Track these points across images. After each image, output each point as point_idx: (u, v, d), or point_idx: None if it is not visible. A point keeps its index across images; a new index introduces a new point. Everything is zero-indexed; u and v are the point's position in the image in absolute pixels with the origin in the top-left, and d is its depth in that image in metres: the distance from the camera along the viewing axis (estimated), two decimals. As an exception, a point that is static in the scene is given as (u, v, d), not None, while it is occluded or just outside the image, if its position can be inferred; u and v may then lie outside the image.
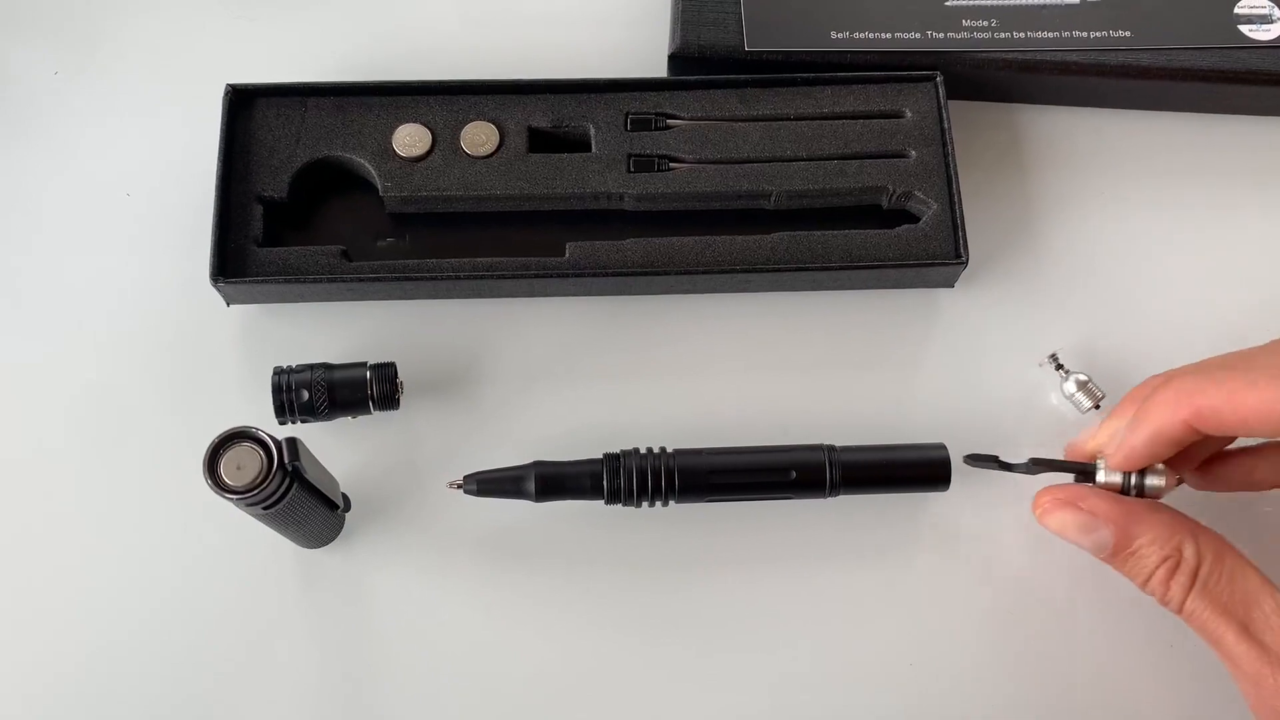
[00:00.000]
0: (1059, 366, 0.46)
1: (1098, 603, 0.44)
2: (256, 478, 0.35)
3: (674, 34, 0.50)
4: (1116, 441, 0.40)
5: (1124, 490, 0.41)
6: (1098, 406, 0.45)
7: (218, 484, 0.35)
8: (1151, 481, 0.41)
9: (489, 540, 0.44)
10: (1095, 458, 0.41)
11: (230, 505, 0.37)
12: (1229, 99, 0.51)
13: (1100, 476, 0.41)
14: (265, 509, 0.36)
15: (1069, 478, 0.42)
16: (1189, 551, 0.38)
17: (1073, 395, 0.45)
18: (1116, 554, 0.39)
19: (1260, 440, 0.42)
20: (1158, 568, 0.38)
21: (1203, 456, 0.42)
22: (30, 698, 0.42)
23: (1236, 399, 0.36)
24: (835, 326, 0.48)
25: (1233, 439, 0.42)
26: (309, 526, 0.41)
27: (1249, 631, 0.37)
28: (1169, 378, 0.39)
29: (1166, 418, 0.38)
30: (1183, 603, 0.38)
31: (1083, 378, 0.45)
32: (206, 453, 0.36)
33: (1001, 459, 0.42)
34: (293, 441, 0.36)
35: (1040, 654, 0.43)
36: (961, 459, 0.43)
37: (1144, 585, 0.39)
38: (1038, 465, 0.42)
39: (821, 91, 0.49)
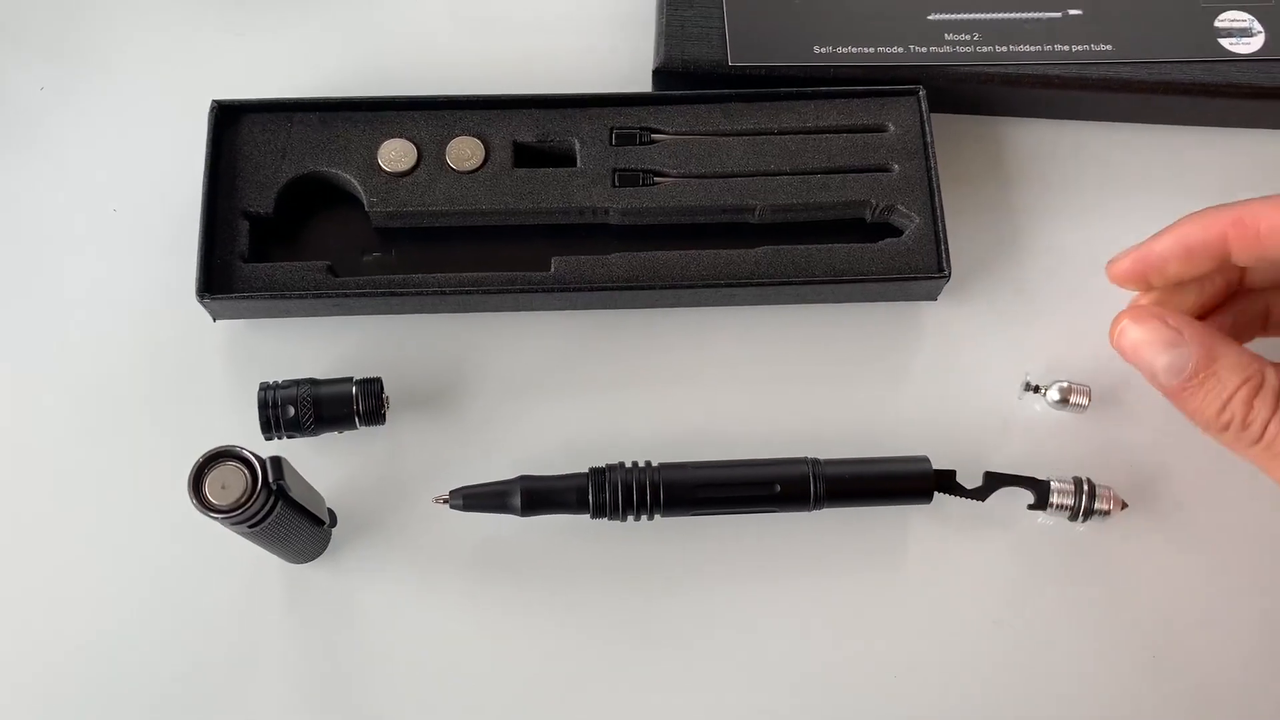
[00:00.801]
0: (1035, 389, 0.46)
1: (1081, 615, 0.44)
2: (241, 497, 0.35)
3: (658, 49, 0.50)
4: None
5: (1073, 515, 0.44)
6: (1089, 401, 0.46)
7: (203, 503, 0.35)
8: (1100, 505, 0.43)
9: (475, 555, 0.45)
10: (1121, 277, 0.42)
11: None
12: (1210, 112, 0.51)
13: (1053, 499, 0.44)
14: (251, 527, 0.36)
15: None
16: (1271, 376, 0.37)
17: (1062, 402, 0.46)
18: (1197, 374, 0.38)
19: None
20: (1239, 388, 0.37)
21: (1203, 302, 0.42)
22: (14, 716, 0.42)
23: None
24: (819, 340, 0.48)
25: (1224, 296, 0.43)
26: (295, 543, 0.41)
27: None
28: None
29: (1201, 228, 0.38)
30: (1266, 424, 0.37)
31: (1063, 384, 0.46)
32: (191, 472, 0.36)
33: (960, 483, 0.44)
34: (277, 460, 0.36)
35: (1024, 666, 0.44)
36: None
37: (1220, 411, 0.38)
38: (990, 483, 0.44)
39: (805, 106, 0.50)
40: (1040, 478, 0.44)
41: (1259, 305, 0.44)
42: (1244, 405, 0.37)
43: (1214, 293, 0.43)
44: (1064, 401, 0.46)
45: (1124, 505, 0.44)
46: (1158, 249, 0.40)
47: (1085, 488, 0.44)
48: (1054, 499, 0.44)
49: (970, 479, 0.44)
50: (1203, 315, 0.43)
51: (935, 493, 0.44)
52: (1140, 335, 0.39)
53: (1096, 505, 0.44)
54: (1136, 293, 0.43)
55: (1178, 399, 0.39)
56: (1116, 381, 0.47)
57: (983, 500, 0.44)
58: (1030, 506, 0.44)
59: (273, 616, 0.44)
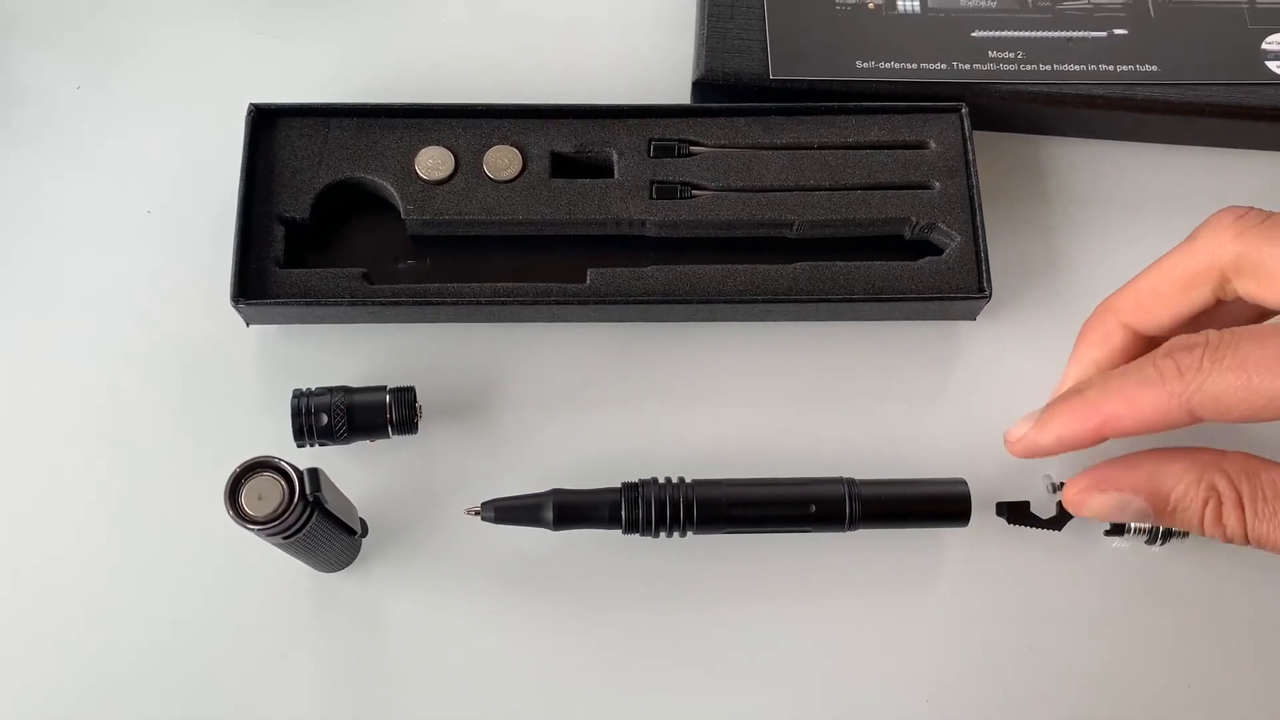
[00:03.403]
0: (1059, 487, 0.44)
1: (1119, 640, 0.44)
2: (278, 508, 0.35)
3: (699, 61, 0.50)
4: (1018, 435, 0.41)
5: (1151, 539, 0.42)
6: None
7: (239, 514, 0.35)
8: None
9: (505, 567, 0.44)
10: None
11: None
12: (1255, 135, 0.51)
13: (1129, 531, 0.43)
14: (286, 539, 0.36)
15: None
16: (1223, 484, 0.37)
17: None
18: (1160, 516, 0.39)
19: None
20: (1203, 513, 0.38)
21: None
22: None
23: (1134, 401, 0.37)
24: (856, 358, 0.48)
25: None
26: (327, 553, 0.41)
27: None
28: (1079, 386, 0.40)
29: (1074, 426, 0.39)
30: (1244, 534, 0.37)
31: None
32: (228, 482, 0.35)
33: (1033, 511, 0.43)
34: (315, 472, 0.36)
35: (1060, 691, 0.43)
36: (996, 510, 0.44)
37: (1202, 533, 0.38)
38: (1065, 512, 0.43)
39: (846, 121, 0.49)
40: None
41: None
42: (1216, 527, 0.37)
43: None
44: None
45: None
46: (1045, 444, 0.40)
47: None
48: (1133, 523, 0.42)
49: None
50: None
51: (1008, 517, 0.43)
52: (1093, 509, 0.40)
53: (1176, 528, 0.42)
54: None
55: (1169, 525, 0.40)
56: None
57: (1058, 530, 0.43)
58: (1106, 533, 0.43)
59: (302, 625, 0.43)
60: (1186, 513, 0.38)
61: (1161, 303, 0.40)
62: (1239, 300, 0.39)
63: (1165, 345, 0.37)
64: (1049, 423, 0.40)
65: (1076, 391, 0.39)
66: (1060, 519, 0.43)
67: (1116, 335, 0.41)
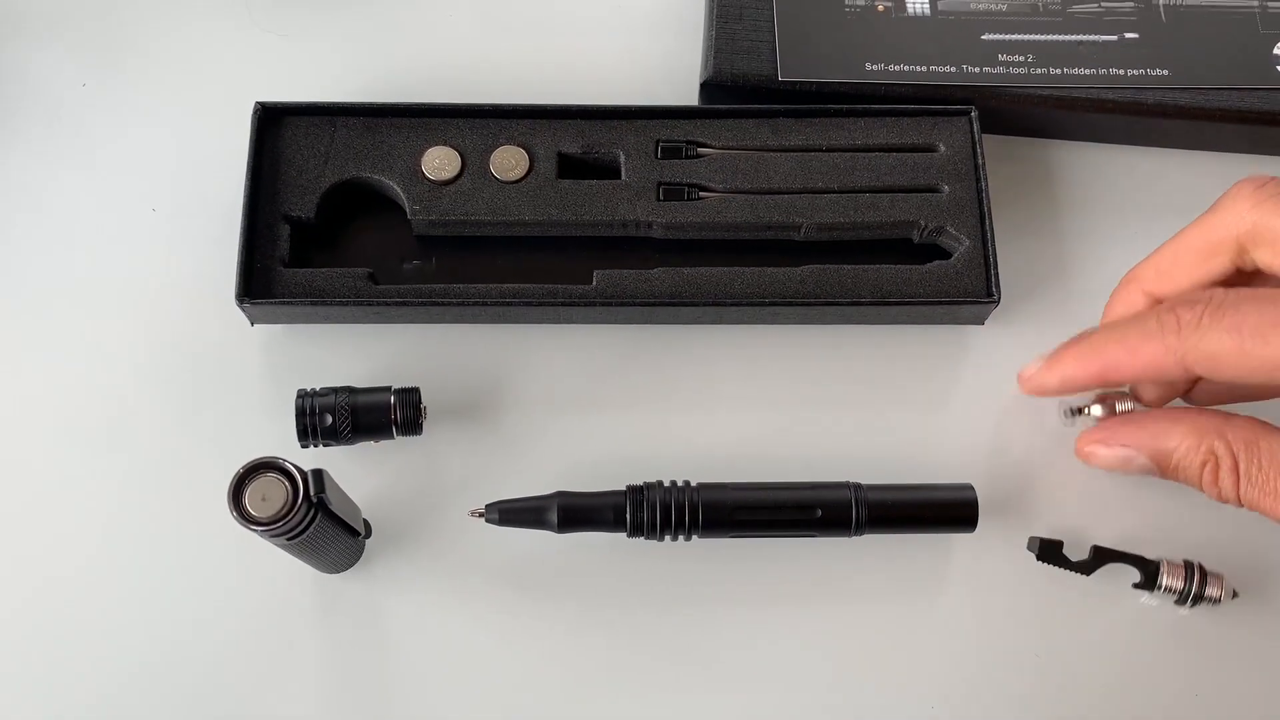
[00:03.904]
0: (1077, 411, 0.45)
1: (1127, 647, 0.43)
2: (282, 509, 0.35)
3: (707, 62, 0.50)
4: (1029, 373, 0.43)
5: (1181, 599, 0.43)
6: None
7: (243, 515, 0.35)
8: (1210, 592, 0.43)
9: (509, 569, 0.44)
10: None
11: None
12: (1266, 140, 0.50)
13: (1162, 580, 0.43)
14: (289, 539, 0.36)
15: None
16: (1221, 449, 0.38)
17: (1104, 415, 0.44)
18: (1164, 473, 0.40)
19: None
20: (1201, 474, 0.39)
21: None
22: None
23: (1135, 349, 0.38)
24: (863, 361, 0.48)
25: None
26: (330, 554, 0.41)
27: None
28: (1085, 333, 0.41)
29: (1078, 369, 0.40)
30: (1237, 496, 0.38)
31: (1097, 410, 0.44)
32: (232, 483, 0.35)
33: (1066, 554, 0.43)
34: (319, 473, 0.36)
35: (1066, 699, 0.43)
36: (1028, 544, 0.44)
37: (1201, 490, 0.40)
38: (1098, 557, 0.43)
39: (854, 123, 0.49)
40: (1149, 557, 0.43)
41: None
42: (1212, 488, 0.39)
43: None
44: (1121, 406, 0.44)
45: (1235, 594, 0.43)
46: (1051, 385, 0.41)
47: (1196, 573, 0.43)
48: (1163, 580, 0.43)
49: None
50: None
51: (1039, 553, 0.44)
52: (1104, 463, 0.42)
53: (1208, 591, 0.42)
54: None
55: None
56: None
57: (1088, 575, 0.43)
58: (1135, 585, 0.43)
59: (305, 626, 0.43)
60: (1187, 471, 0.40)
61: (1182, 271, 0.40)
62: (1259, 273, 0.39)
63: (1170, 300, 0.38)
64: (1055, 365, 0.41)
65: (1085, 337, 0.41)
66: (1092, 564, 0.43)
67: (1139, 304, 0.42)
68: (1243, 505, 0.38)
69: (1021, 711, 0.43)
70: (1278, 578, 0.44)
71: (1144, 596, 0.44)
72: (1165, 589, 0.43)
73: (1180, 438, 0.39)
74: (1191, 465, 0.39)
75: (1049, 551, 0.43)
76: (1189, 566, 0.43)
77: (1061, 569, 0.43)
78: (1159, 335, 0.37)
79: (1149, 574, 0.43)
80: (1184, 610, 0.43)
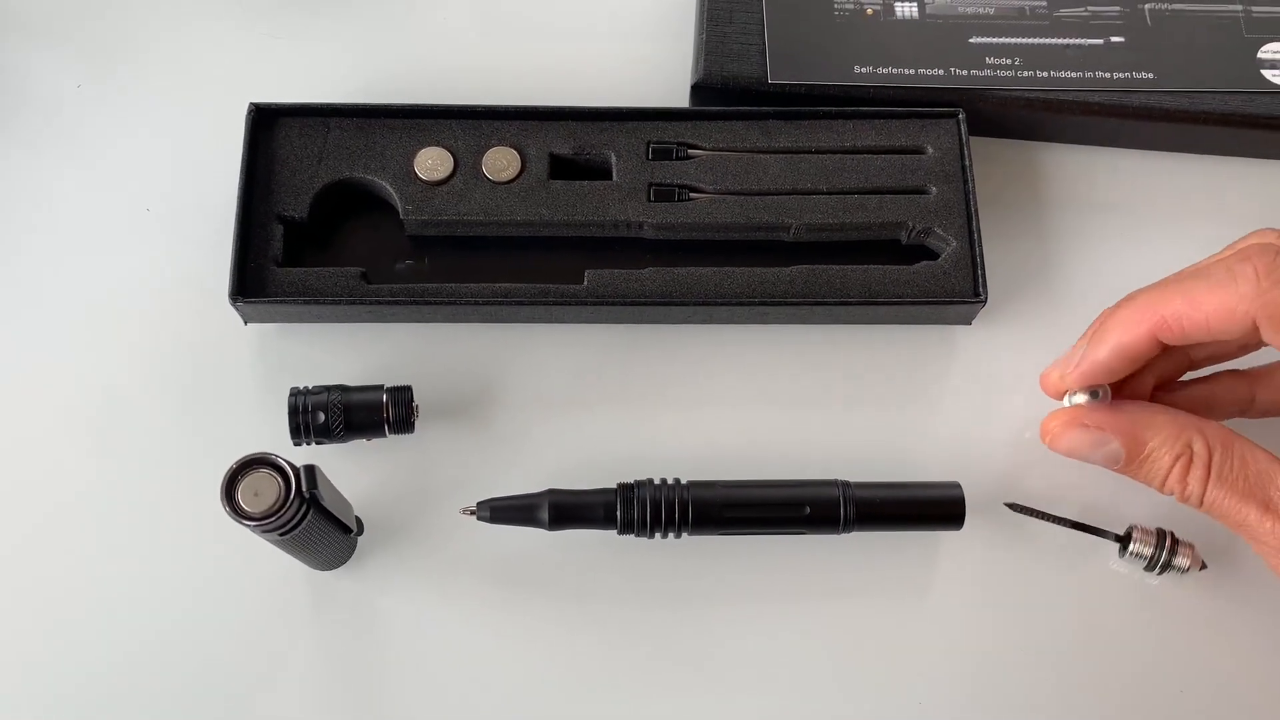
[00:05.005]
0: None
1: (1112, 643, 0.44)
2: (274, 504, 0.35)
3: (697, 64, 0.50)
4: (1076, 360, 0.41)
5: (1150, 565, 0.43)
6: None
7: (235, 510, 0.35)
8: (1179, 561, 0.43)
9: (501, 567, 0.44)
10: (1063, 392, 0.42)
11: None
12: (1250, 143, 0.51)
13: (1132, 546, 0.43)
14: (281, 535, 0.36)
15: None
16: (1199, 446, 0.39)
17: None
18: (1130, 462, 0.40)
19: (1213, 369, 0.44)
20: (1172, 467, 0.39)
21: (1155, 381, 0.43)
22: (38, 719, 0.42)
23: (1197, 300, 0.37)
24: (851, 361, 0.48)
25: (1186, 368, 0.44)
26: (322, 551, 0.41)
27: (1270, 508, 0.38)
28: (1129, 296, 0.40)
29: (1130, 330, 0.39)
30: (1202, 495, 0.39)
31: (1080, 398, 0.43)
32: (224, 478, 0.35)
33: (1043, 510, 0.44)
34: (311, 469, 0.36)
35: (1053, 694, 0.43)
36: (1003, 504, 0.44)
37: (1161, 486, 0.40)
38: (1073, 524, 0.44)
39: (844, 125, 0.49)
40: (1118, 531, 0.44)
41: (1243, 390, 0.44)
42: (1179, 483, 0.39)
43: (1168, 371, 0.43)
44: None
45: (1203, 566, 0.44)
46: (1101, 358, 0.40)
47: (1167, 541, 0.43)
48: (1133, 546, 0.43)
49: (1002, 508, 0.44)
50: (1164, 385, 0.44)
51: (979, 512, 0.44)
52: (1069, 442, 0.41)
53: (1177, 561, 0.43)
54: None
55: (1126, 475, 0.41)
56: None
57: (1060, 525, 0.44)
58: (1116, 539, 0.44)
59: (297, 623, 0.43)
60: (1156, 465, 0.39)
61: (1193, 330, 0.38)
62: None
63: (1242, 250, 0.37)
64: (1105, 335, 0.40)
65: (1124, 302, 0.39)
66: (1065, 520, 0.44)
67: (1144, 334, 0.40)
68: (1203, 506, 0.39)
69: (1007, 705, 0.43)
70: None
71: (1112, 561, 0.44)
72: (1135, 555, 0.43)
73: (1159, 429, 0.39)
74: (1164, 459, 0.39)
75: (1023, 509, 0.44)
76: (1161, 534, 0.43)
77: (1036, 519, 0.44)
78: (1229, 284, 0.36)
79: (1122, 542, 0.44)
80: (1153, 579, 0.44)
